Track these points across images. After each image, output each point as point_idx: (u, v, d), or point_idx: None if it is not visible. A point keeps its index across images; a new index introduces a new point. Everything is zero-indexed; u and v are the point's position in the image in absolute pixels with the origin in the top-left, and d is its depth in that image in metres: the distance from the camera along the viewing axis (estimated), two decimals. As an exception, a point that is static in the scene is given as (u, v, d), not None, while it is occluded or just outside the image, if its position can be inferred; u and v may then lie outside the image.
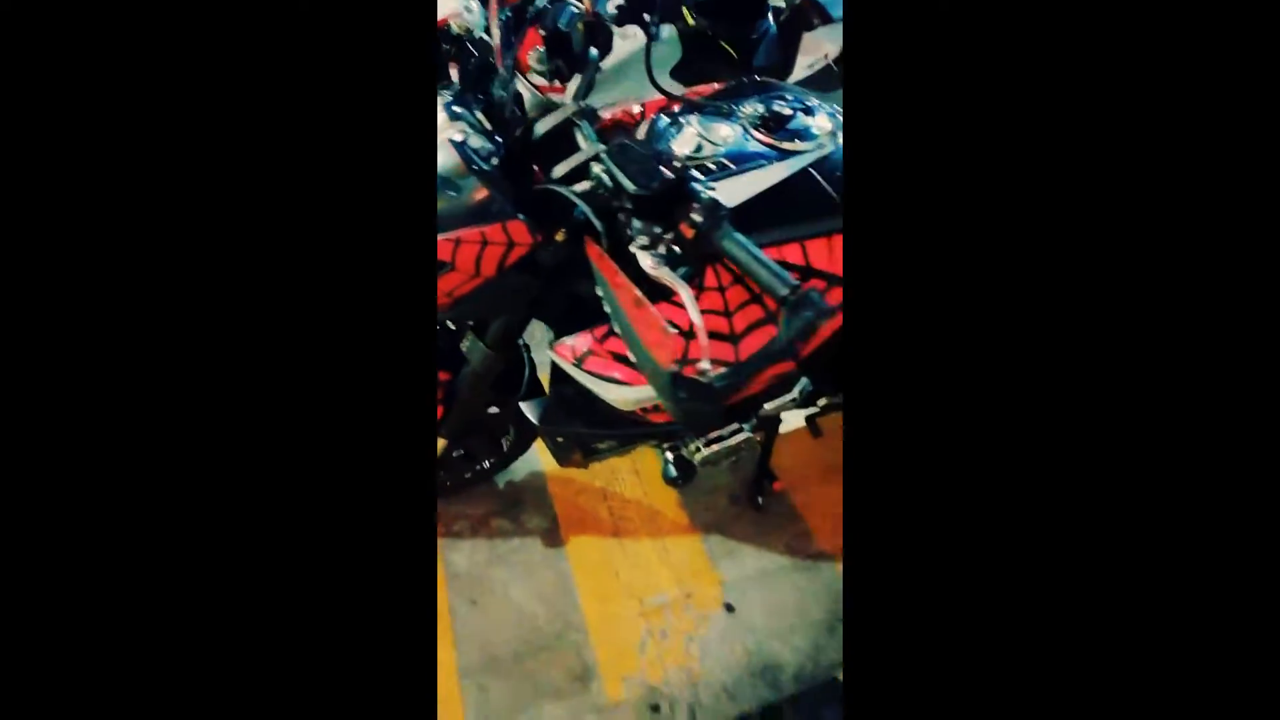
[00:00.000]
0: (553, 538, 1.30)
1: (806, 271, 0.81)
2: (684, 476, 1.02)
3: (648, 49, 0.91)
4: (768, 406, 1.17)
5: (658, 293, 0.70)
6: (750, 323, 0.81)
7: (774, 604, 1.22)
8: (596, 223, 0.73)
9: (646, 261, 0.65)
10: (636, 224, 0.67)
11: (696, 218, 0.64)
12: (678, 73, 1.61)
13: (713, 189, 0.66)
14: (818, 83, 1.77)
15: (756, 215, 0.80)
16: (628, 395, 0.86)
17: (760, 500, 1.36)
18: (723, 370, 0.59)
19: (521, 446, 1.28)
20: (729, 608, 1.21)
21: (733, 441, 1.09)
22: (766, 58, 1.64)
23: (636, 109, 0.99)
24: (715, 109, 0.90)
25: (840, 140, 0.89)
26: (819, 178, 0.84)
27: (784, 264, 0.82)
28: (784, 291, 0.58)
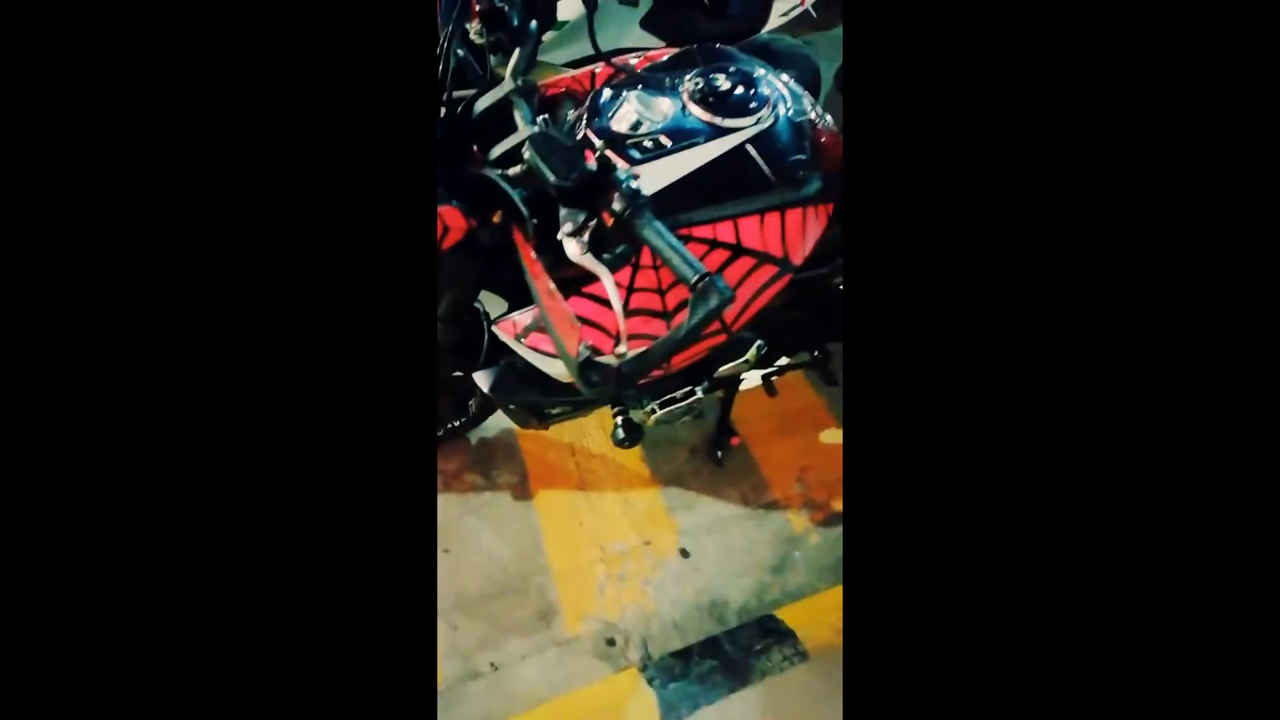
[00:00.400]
0: (522, 490, 1.38)
1: (737, 249, 0.84)
2: (631, 439, 1.09)
3: (590, 18, 0.90)
4: (722, 369, 1.22)
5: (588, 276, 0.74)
6: (680, 300, 0.85)
7: (725, 549, 1.32)
8: (523, 209, 0.75)
9: (572, 248, 0.69)
10: (562, 211, 0.69)
11: (617, 206, 0.67)
12: (649, 22, 1.56)
13: (636, 176, 0.68)
14: (793, 28, 1.72)
15: (690, 192, 0.83)
16: (565, 370, 0.91)
17: (720, 454, 1.44)
18: (631, 355, 0.64)
19: (488, 409, 1.34)
20: (684, 553, 1.31)
21: (686, 403, 1.15)
22: (740, 5, 1.59)
23: (593, 71, 0.99)
24: (657, 82, 0.91)
25: (782, 111, 0.90)
26: (755, 155, 0.85)
27: (716, 241, 0.85)
28: (693, 279, 0.61)
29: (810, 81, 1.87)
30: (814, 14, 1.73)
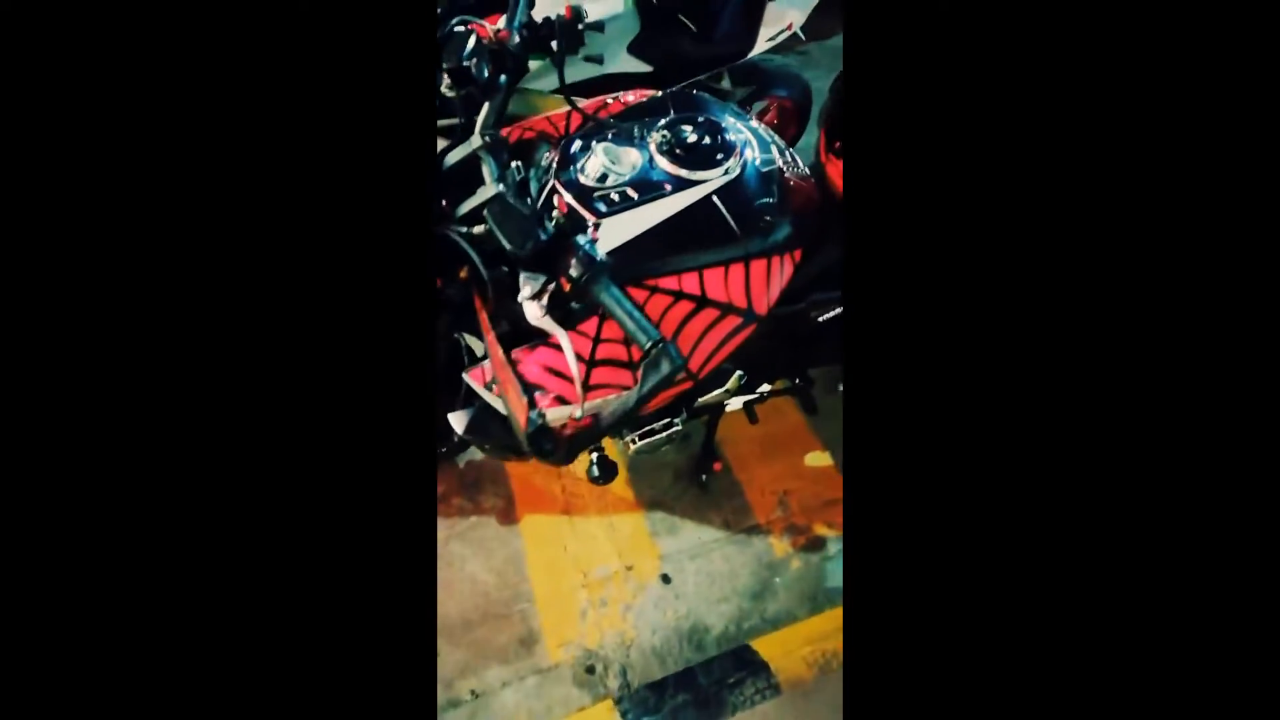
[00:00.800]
0: (508, 515, 1.41)
1: (702, 301, 0.86)
2: (605, 477, 1.11)
3: (560, 68, 0.92)
4: (701, 400, 1.24)
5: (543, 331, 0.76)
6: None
7: (707, 574, 1.34)
8: (482, 271, 0.77)
9: (531, 311, 0.71)
10: (522, 274, 0.72)
11: (574, 271, 0.69)
12: (636, 47, 1.57)
13: (594, 240, 0.70)
14: (784, 49, 1.72)
15: (655, 244, 0.85)
16: None
17: (704, 478, 1.46)
18: (586, 409, 0.66)
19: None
20: (665, 578, 1.33)
21: (665, 434, 1.17)
22: (727, 30, 1.60)
23: (567, 115, 1.01)
24: (626, 132, 0.92)
25: (750, 156, 0.91)
26: (720, 206, 0.87)
27: (681, 293, 0.87)
28: (646, 344, 0.63)
29: (801, 99, 1.87)
30: (802, 35, 1.72)
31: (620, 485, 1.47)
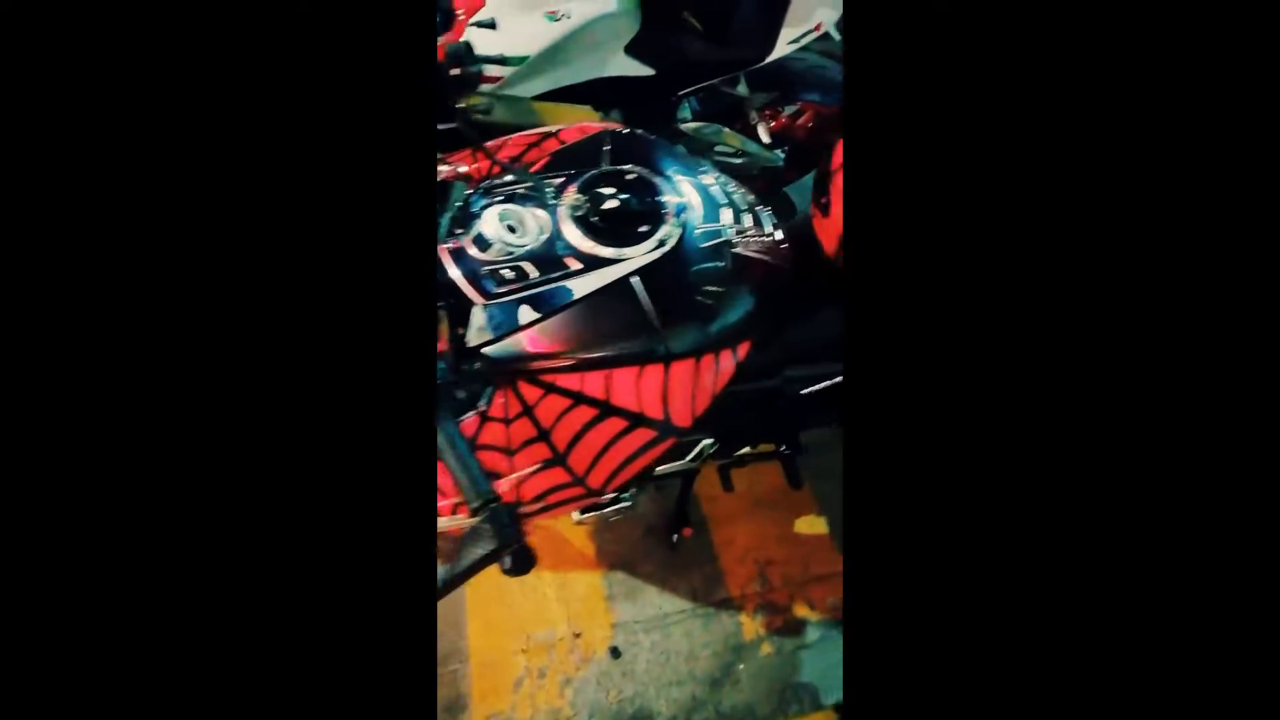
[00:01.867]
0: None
1: (605, 408, 0.70)
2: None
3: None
4: (660, 470, 1.10)
5: None
6: (534, 464, 0.72)
7: (663, 651, 1.21)
8: None
9: None
10: None
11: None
12: (635, 48, 1.41)
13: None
14: (807, 51, 1.51)
15: (554, 334, 0.69)
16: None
17: (675, 539, 1.32)
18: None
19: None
20: (615, 652, 1.21)
21: (611, 509, 1.04)
22: (741, 30, 1.40)
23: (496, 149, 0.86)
24: (539, 189, 0.75)
25: (693, 218, 0.74)
26: (640, 291, 0.70)
27: (582, 396, 0.71)
28: (474, 504, 0.50)
29: (838, 103, 1.64)
30: (836, 34, 1.50)
31: (581, 537, 1.35)
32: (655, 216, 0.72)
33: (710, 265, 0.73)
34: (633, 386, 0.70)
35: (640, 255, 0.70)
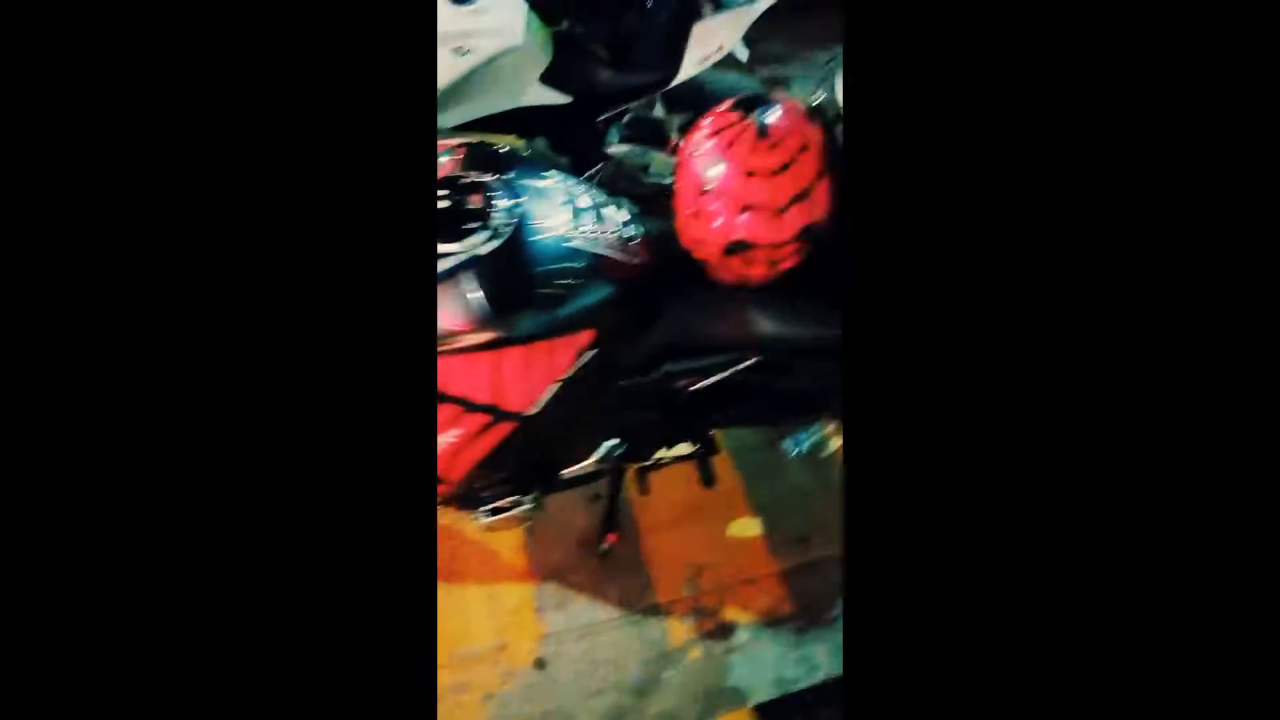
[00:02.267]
0: (387, 578, 1.32)
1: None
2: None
3: None
4: (564, 473, 1.11)
5: None
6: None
7: (589, 661, 1.19)
8: None
9: None
10: None
11: None
12: (550, 77, 1.49)
13: None
14: (719, 69, 1.58)
15: None
16: None
17: (602, 547, 1.32)
18: None
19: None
20: (539, 663, 1.19)
21: (515, 513, 1.05)
22: (644, 56, 1.48)
23: None
24: None
25: (531, 221, 0.78)
26: (468, 282, 0.74)
27: None
28: None
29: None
30: (741, 56, 1.58)
31: (513, 549, 1.34)
32: (483, 215, 0.77)
33: (551, 261, 0.77)
34: (461, 373, 0.73)
35: (470, 249, 0.74)
